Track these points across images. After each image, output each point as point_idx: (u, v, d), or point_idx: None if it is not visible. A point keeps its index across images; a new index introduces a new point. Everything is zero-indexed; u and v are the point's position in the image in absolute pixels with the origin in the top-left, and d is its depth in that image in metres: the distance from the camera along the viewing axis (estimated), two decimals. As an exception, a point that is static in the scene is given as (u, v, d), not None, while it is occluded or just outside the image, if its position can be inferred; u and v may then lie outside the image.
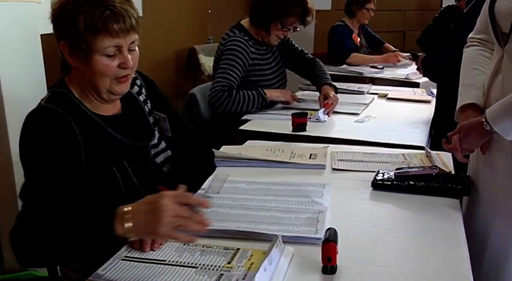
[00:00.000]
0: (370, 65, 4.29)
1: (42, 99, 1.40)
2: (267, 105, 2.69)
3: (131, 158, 1.45)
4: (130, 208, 1.13)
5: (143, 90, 1.60)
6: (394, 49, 4.71)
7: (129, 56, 1.37)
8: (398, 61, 4.36)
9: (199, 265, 1.20)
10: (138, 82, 1.60)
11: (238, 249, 1.26)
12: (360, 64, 4.30)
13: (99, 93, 1.41)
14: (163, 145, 1.59)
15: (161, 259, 1.23)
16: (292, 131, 2.32)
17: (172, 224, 1.09)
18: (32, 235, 1.19)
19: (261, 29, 2.73)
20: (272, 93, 2.69)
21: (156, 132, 1.58)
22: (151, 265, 1.20)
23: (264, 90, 2.65)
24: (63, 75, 1.45)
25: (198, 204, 1.14)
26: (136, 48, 1.40)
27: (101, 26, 1.29)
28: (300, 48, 3.00)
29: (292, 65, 3.00)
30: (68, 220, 1.18)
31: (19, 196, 1.30)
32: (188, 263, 1.20)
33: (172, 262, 1.21)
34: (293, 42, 2.99)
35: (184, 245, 1.26)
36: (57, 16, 1.35)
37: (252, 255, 1.23)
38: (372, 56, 4.43)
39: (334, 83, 2.85)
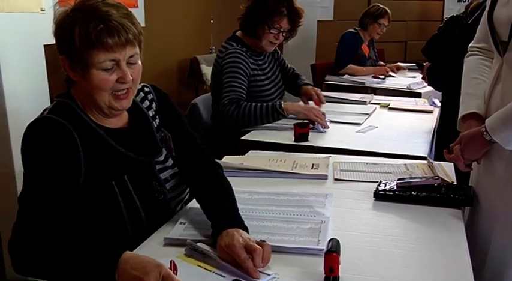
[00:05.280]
0: (373, 75, 4.32)
1: (45, 110, 1.40)
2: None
3: (133, 173, 1.44)
4: (126, 263, 1.13)
5: (153, 105, 1.59)
6: (382, 63, 4.77)
7: (129, 71, 1.35)
8: (386, 73, 4.40)
9: None
10: (150, 96, 1.59)
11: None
12: (355, 75, 4.34)
13: (100, 109, 1.41)
14: (170, 161, 1.58)
15: None
16: (294, 141, 2.31)
17: None
18: (27, 247, 1.21)
19: (252, 36, 2.74)
20: (291, 108, 2.55)
21: (164, 149, 1.56)
22: None
23: (282, 103, 2.54)
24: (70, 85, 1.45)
25: None
26: (139, 62, 1.39)
27: (95, 40, 1.29)
28: (289, 66, 3.04)
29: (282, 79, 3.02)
30: (65, 246, 1.20)
31: (18, 200, 1.31)
32: None
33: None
34: (285, 60, 3.03)
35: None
36: (57, 29, 1.35)
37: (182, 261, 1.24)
38: (364, 68, 4.46)
39: (333, 94, 2.89)
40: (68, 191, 1.30)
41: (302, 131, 2.32)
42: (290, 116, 2.55)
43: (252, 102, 2.55)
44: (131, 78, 1.36)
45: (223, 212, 1.39)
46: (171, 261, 1.13)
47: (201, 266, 1.23)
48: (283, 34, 2.72)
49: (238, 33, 2.81)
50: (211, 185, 1.54)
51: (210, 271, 1.21)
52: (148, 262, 1.12)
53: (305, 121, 2.41)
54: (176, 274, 1.11)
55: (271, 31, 2.68)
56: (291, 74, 3.01)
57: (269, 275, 1.18)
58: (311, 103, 2.78)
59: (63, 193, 1.29)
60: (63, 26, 1.33)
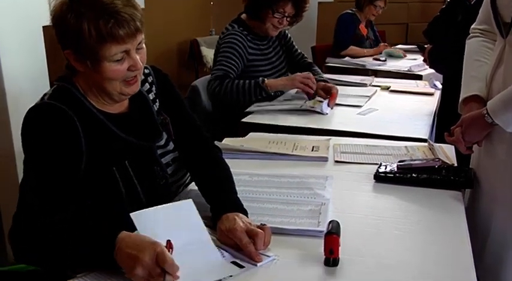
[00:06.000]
0: (373, 57, 4.30)
1: (45, 94, 1.39)
2: (270, 97, 2.60)
3: (134, 158, 1.43)
4: (122, 242, 1.13)
5: (153, 88, 1.57)
6: (386, 45, 4.74)
7: (137, 57, 1.34)
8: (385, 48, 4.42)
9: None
10: (150, 79, 1.57)
11: None
12: (356, 56, 4.32)
13: (109, 96, 1.40)
14: (171, 145, 1.57)
15: None
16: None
17: (140, 278, 1.09)
18: (27, 236, 1.21)
19: (256, 19, 2.71)
20: (275, 83, 2.52)
21: (164, 133, 1.55)
22: None
23: (266, 79, 2.51)
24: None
25: (169, 271, 1.09)
26: (143, 45, 1.38)
27: (107, 35, 1.26)
28: (299, 51, 2.98)
29: (289, 66, 2.96)
30: (66, 230, 1.20)
31: (19, 188, 1.31)
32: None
33: None
34: (294, 44, 2.97)
35: None
36: (59, 25, 1.31)
37: None
38: (366, 50, 4.45)
39: (334, 76, 2.82)
40: (69, 176, 1.30)
41: None
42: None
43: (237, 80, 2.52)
44: (141, 64, 1.36)
45: (223, 196, 1.39)
46: (167, 240, 1.14)
47: None
48: (287, 19, 2.70)
49: (243, 15, 2.78)
50: (210, 168, 1.54)
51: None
52: (143, 240, 1.12)
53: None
54: (171, 253, 1.11)
55: (275, 15, 2.66)
56: (299, 60, 2.96)
57: (269, 257, 1.19)
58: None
59: (64, 178, 1.29)
60: (66, 21, 1.28)
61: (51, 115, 1.32)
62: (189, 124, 1.64)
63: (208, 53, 4.92)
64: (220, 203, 1.35)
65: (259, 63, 2.74)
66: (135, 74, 1.37)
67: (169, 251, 1.11)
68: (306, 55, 3.02)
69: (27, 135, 1.32)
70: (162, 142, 1.53)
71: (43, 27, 2.52)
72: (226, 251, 1.22)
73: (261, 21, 2.70)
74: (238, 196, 1.42)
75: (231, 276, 1.12)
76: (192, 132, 1.63)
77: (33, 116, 1.33)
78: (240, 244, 1.19)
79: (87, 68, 1.33)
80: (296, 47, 2.98)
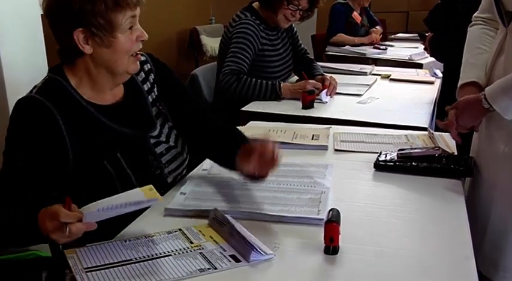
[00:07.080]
0: (373, 45, 4.29)
1: (35, 87, 1.38)
2: None
3: (127, 149, 1.42)
4: (39, 218, 1.15)
5: (150, 77, 1.55)
6: (378, 29, 4.72)
7: None
8: (375, 40, 4.42)
9: (168, 251, 1.16)
10: (146, 67, 1.55)
11: (180, 229, 1.25)
12: (344, 44, 4.33)
13: (114, 77, 1.40)
14: (164, 136, 1.55)
15: (128, 258, 1.14)
16: (303, 108, 2.37)
17: (59, 239, 1.13)
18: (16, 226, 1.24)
19: (269, 9, 2.69)
20: (288, 91, 2.52)
21: (159, 124, 1.54)
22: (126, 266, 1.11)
23: (282, 84, 2.54)
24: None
25: (66, 221, 1.10)
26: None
27: (121, 1, 1.30)
28: (303, 46, 2.99)
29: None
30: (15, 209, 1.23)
31: None
32: (158, 254, 1.15)
33: (142, 257, 1.14)
34: (299, 38, 2.97)
35: (127, 241, 1.21)
36: (63, 6, 1.30)
37: (199, 231, 1.25)
38: (357, 38, 4.44)
39: (334, 65, 2.83)
40: (55, 172, 1.31)
41: (311, 98, 2.38)
42: None
43: (252, 77, 2.53)
44: (147, 35, 1.38)
45: (236, 139, 1.49)
46: (66, 198, 1.15)
47: (211, 237, 1.23)
48: (300, 12, 2.69)
49: (255, 4, 2.76)
50: (222, 136, 1.59)
51: (218, 243, 1.20)
52: (48, 209, 1.14)
53: (312, 88, 2.45)
54: (70, 209, 1.13)
55: (290, 7, 2.64)
56: (301, 56, 2.96)
57: (266, 254, 1.14)
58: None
59: (51, 173, 1.30)
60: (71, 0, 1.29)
61: (35, 112, 1.32)
62: (197, 110, 1.63)
63: (208, 42, 4.90)
64: (234, 144, 1.44)
65: (269, 53, 2.73)
66: (140, 47, 1.39)
67: (69, 207, 1.13)
68: (307, 48, 3.03)
69: (12, 128, 1.33)
70: (156, 133, 1.52)
71: (42, 14, 2.51)
72: (231, 244, 1.19)
73: (273, 12, 2.67)
74: (238, 185, 1.42)
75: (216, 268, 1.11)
76: (201, 118, 1.63)
77: (20, 110, 1.33)
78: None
79: (97, 46, 1.33)
80: (300, 41, 2.98)
